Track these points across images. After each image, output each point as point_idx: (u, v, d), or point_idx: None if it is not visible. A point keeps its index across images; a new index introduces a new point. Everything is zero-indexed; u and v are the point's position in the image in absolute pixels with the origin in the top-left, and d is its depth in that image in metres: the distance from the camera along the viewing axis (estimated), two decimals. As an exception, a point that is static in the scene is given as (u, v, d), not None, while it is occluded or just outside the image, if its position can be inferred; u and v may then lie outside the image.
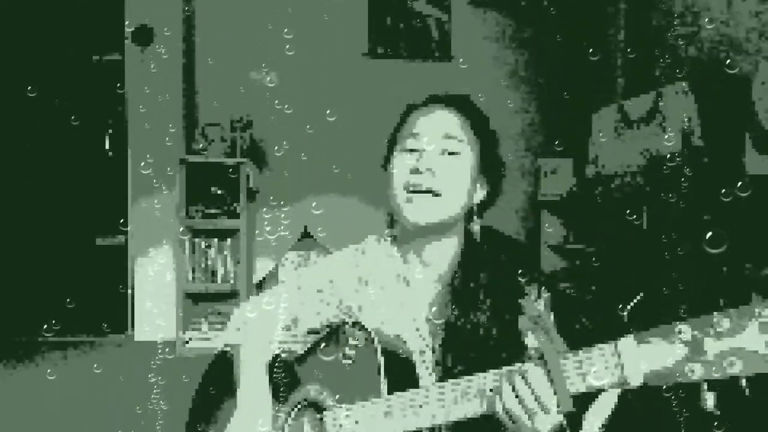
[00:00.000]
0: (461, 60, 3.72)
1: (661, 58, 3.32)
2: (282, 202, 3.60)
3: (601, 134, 3.26)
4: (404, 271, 1.07)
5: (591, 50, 3.86)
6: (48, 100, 3.50)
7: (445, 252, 1.05)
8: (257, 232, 3.68)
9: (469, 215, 1.06)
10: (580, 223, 3.55)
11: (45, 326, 3.31)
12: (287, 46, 3.56)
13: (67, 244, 3.49)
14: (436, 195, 0.98)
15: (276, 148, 3.56)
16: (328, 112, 3.22)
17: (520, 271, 0.99)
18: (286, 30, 3.48)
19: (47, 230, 3.50)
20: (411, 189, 0.99)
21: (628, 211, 2.65)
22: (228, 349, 1.11)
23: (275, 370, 1.07)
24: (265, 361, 1.07)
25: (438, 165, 0.99)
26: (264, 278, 3.51)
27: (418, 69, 3.71)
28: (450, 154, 1.00)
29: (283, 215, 3.58)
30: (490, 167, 1.06)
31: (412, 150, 1.02)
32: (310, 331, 1.11)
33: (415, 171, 0.98)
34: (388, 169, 1.05)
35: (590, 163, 3.38)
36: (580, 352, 0.76)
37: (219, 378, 1.11)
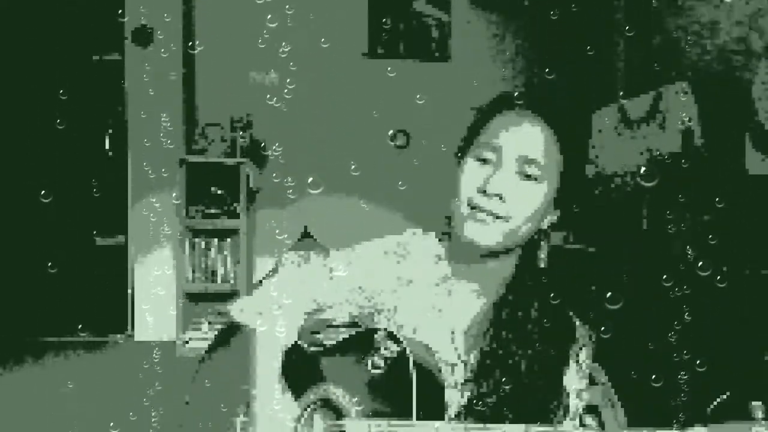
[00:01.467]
0: (461, 60, 3.72)
1: (662, 59, 3.32)
2: (282, 202, 3.60)
3: (600, 133, 3.26)
4: (449, 280, 0.99)
5: (591, 50, 3.86)
6: (48, 100, 3.50)
7: (498, 270, 0.96)
8: (257, 232, 3.67)
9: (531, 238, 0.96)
10: (580, 223, 3.55)
11: (45, 326, 3.31)
12: (287, 46, 3.56)
13: (67, 244, 3.49)
14: (503, 218, 0.89)
15: (276, 147, 3.56)
16: (328, 111, 3.23)
17: (569, 307, 0.93)
18: (285, 30, 3.48)
19: (47, 230, 3.50)
20: (474, 206, 0.90)
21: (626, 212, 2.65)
22: (244, 323, 1.01)
23: (292, 359, 0.98)
24: (283, 348, 0.98)
25: (510, 190, 0.89)
26: (264, 278, 3.51)
27: (417, 69, 3.70)
28: (527, 177, 0.90)
29: (283, 215, 3.58)
30: (567, 195, 0.95)
31: (485, 161, 0.91)
32: (336, 324, 1.02)
33: (482, 192, 0.89)
34: (458, 168, 0.94)
35: (590, 163, 3.38)
36: (644, 431, 0.72)
37: (229, 345, 1.04)
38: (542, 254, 0.96)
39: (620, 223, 2.87)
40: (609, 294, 0.94)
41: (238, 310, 1.02)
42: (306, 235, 3.48)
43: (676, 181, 2.47)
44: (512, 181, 0.89)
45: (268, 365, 0.96)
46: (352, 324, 1.00)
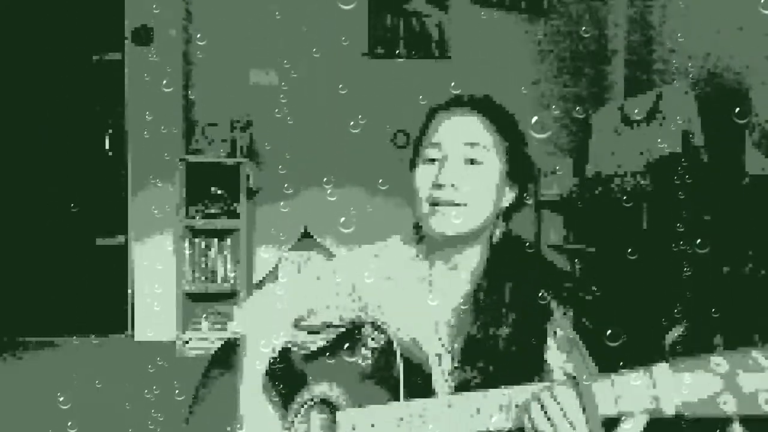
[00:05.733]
0: (460, 59, 3.72)
1: (662, 59, 3.32)
2: (282, 202, 3.60)
3: (600, 133, 3.26)
4: (428, 275, 1.05)
5: (591, 50, 3.86)
6: (48, 99, 3.49)
7: (470, 258, 1.02)
8: (257, 231, 3.67)
9: (495, 219, 1.02)
10: (580, 223, 3.55)
11: (45, 326, 3.31)
12: (287, 46, 3.56)
13: (67, 244, 3.49)
14: (462, 206, 0.95)
15: (276, 147, 3.56)
16: (329, 111, 3.22)
17: (546, 284, 0.96)
18: (285, 30, 3.49)
19: (47, 230, 3.50)
20: (434, 202, 0.96)
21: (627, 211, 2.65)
22: (237, 337, 1.07)
23: (283, 363, 1.03)
24: (271, 353, 1.03)
25: (461, 177, 0.95)
26: (264, 278, 3.51)
27: (417, 68, 3.70)
28: (473, 162, 0.96)
29: (283, 215, 3.58)
30: (518, 170, 1.02)
31: (433, 160, 0.98)
32: (324, 326, 1.07)
33: (437, 186, 0.95)
34: (412, 176, 1.01)
35: (590, 163, 3.38)
36: (613, 375, 0.75)
37: (223, 367, 1.09)
38: (497, 231, 1.02)
39: (620, 223, 2.87)
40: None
41: (233, 328, 1.09)
42: (306, 235, 3.48)
43: (676, 181, 2.47)
44: (460, 169, 0.96)
45: (253, 370, 1.01)
46: (345, 325, 1.04)
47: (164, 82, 3.35)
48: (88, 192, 3.52)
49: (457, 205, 0.95)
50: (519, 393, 0.81)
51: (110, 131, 3.49)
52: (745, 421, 0.68)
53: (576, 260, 3.69)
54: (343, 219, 3.31)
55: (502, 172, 0.99)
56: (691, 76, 2.93)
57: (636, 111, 2.91)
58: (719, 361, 0.69)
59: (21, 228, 3.48)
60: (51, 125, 3.48)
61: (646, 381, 0.72)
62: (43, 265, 3.48)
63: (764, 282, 1.85)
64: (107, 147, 3.50)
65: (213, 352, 1.14)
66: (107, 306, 3.49)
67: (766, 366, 0.67)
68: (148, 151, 3.37)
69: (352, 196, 3.55)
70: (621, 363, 0.77)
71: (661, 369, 0.72)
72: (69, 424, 2.18)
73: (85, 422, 2.20)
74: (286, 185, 3.58)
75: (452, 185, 0.94)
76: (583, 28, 3.84)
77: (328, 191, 3.57)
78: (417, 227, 1.06)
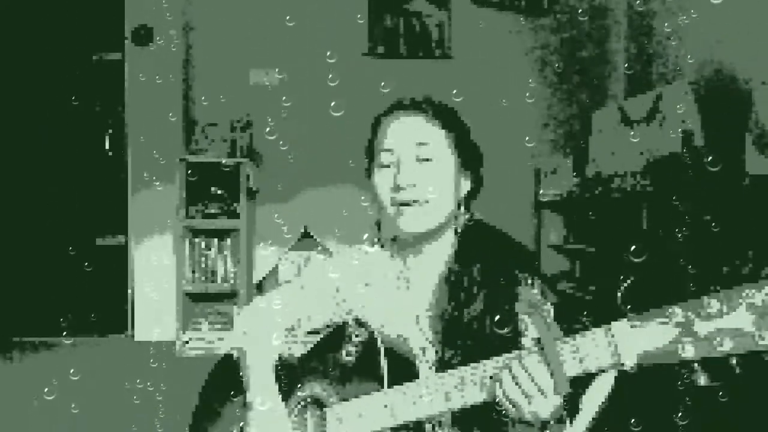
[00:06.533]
0: (461, 59, 3.72)
1: (662, 59, 3.32)
2: (282, 202, 3.60)
3: (600, 133, 3.26)
4: (404, 272, 1.09)
5: (591, 50, 3.86)
6: (48, 99, 3.49)
7: (441, 249, 1.06)
8: (257, 231, 3.67)
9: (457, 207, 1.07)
10: (580, 223, 3.55)
11: (45, 326, 3.31)
12: (287, 46, 3.56)
13: (67, 244, 3.49)
14: (424, 203, 1.00)
15: (276, 147, 3.55)
16: (330, 107, 3.22)
17: (513, 262, 1.00)
18: (285, 30, 3.48)
19: (47, 230, 3.50)
20: (398, 203, 1.00)
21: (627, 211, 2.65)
22: (233, 352, 1.11)
23: (278, 370, 1.07)
24: (272, 363, 1.07)
25: (417, 176, 1.00)
26: (264, 278, 3.51)
27: (418, 68, 3.70)
28: (425, 160, 1.01)
29: (283, 215, 3.58)
30: (469, 159, 1.07)
31: (388, 165, 1.03)
32: (312, 332, 1.12)
33: (397, 188, 1.00)
34: (371, 182, 1.06)
35: (590, 163, 3.38)
36: (576, 336, 0.79)
37: (224, 381, 1.11)
38: (461, 219, 1.06)
39: (620, 223, 2.87)
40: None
41: (229, 346, 1.13)
42: (306, 235, 3.48)
43: (676, 181, 2.47)
44: (415, 168, 1.00)
45: (262, 383, 1.04)
46: (331, 327, 1.10)
47: (164, 82, 3.35)
48: (88, 192, 3.52)
49: (420, 203, 0.99)
50: (491, 365, 0.85)
51: (110, 131, 3.49)
52: (703, 364, 0.73)
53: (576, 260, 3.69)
54: (343, 218, 3.31)
55: (456, 163, 1.04)
56: (690, 76, 2.93)
57: (636, 111, 2.91)
58: (675, 311, 0.73)
59: (21, 228, 3.48)
60: (51, 125, 3.48)
61: (607, 338, 0.76)
62: (43, 265, 3.48)
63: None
64: (107, 147, 3.50)
65: (210, 371, 1.17)
66: (107, 306, 3.49)
67: (718, 310, 0.71)
68: (148, 151, 3.37)
69: (351, 196, 3.55)
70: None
71: (619, 325, 0.76)
72: (69, 424, 2.18)
73: (85, 422, 2.20)
74: (286, 185, 3.58)
75: (413, 185, 0.99)
76: (583, 27, 3.84)
77: (328, 191, 3.58)
78: (379, 226, 1.11)
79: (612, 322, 0.76)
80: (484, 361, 0.86)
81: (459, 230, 1.06)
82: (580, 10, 3.84)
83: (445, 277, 1.04)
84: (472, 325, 0.96)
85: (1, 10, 3.41)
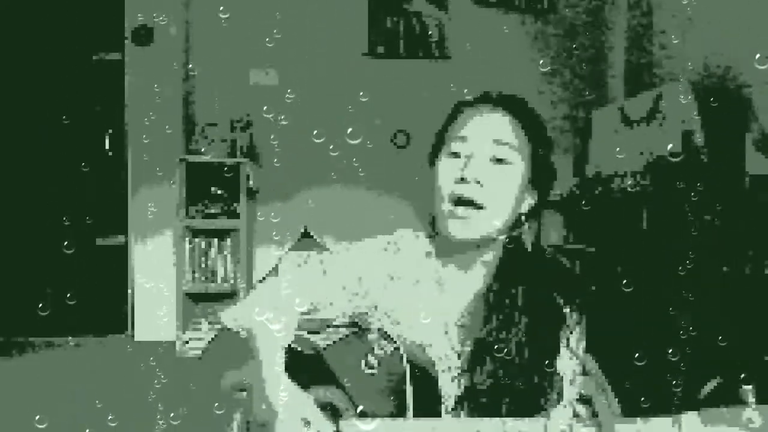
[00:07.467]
0: (460, 59, 3.72)
1: (662, 59, 3.32)
2: (282, 203, 3.60)
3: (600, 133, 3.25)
4: (439, 274, 1.01)
5: (591, 49, 3.86)
6: (48, 99, 3.49)
7: (485, 260, 1.00)
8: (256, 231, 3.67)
9: (513, 224, 0.99)
10: (580, 223, 3.55)
11: (45, 327, 3.30)
12: (287, 46, 3.55)
13: (67, 244, 3.49)
14: (480, 208, 0.93)
15: (276, 147, 3.56)
16: (328, 111, 3.22)
17: (555, 286, 0.95)
18: (285, 29, 3.48)
19: (47, 230, 3.50)
20: (455, 199, 0.93)
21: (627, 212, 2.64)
22: (239, 329, 0.97)
23: (288, 361, 0.94)
24: (283, 348, 0.93)
25: (486, 175, 0.93)
26: (264, 278, 3.50)
27: (417, 68, 3.70)
28: (499, 161, 0.94)
29: (283, 215, 3.57)
30: (540, 175, 1.00)
31: (458, 154, 0.95)
32: (329, 323, 1.01)
33: (461, 180, 0.93)
34: (433, 170, 0.98)
35: (590, 163, 3.38)
36: (639, 420, 0.72)
37: (224, 352, 1.02)
38: (525, 237, 0.99)
39: (620, 223, 2.87)
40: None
41: (231, 319, 0.99)
42: (306, 234, 3.48)
43: (676, 180, 2.47)
44: (486, 166, 0.94)
45: (271, 366, 0.90)
46: (349, 324, 0.99)
47: (164, 82, 3.35)
48: (88, 192, 3.52)
49: (477, 207, 0.92)
50: (533, 425, 0.77)
51: (110, 131, 3.49)
52: None
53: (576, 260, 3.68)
54: (343, 218, 3.30)
55: (525, 176, 0.97)
56: (691, 76, 2.93)
57: (636, 111, 2.91)
58: (752, 416, 0.66)
59: (21, 228, 3.48)
60: (51, 125, 3.48)
61: (674, 428, 0.70)
62: (42, 265, 3.48)
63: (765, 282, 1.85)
64: (107, 147, 3.49)
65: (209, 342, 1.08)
66: (107, 306, 3.48)
67: None
68: (148, 151, 3.37)
69: (352, 196, 3.55)
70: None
71: (690, 418, 0.69)
72: (69, 424, 2.18)
73: (85, 422, 2.20)
74: (286, 185, 3.58)
75: (477, 181, 0.92)
76: (583, 28, 3.84)
77: (328, 191, 3.57)
78: (433, 220, 1.01)
79: (683, 414, 0.70)
80: (529, 419, 0.79)
81: (509, 245, 0.99)
82: (580, 10, 3.84)
83: (483, 293, 0.99)
84: (505, 348, 0.91)
85: (1, 10, 3.41)
